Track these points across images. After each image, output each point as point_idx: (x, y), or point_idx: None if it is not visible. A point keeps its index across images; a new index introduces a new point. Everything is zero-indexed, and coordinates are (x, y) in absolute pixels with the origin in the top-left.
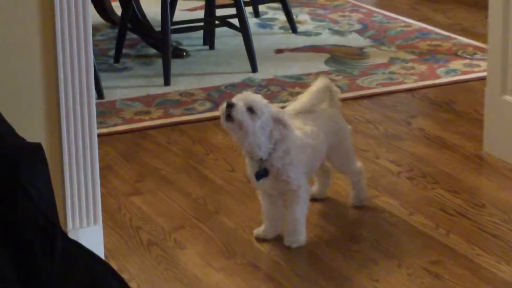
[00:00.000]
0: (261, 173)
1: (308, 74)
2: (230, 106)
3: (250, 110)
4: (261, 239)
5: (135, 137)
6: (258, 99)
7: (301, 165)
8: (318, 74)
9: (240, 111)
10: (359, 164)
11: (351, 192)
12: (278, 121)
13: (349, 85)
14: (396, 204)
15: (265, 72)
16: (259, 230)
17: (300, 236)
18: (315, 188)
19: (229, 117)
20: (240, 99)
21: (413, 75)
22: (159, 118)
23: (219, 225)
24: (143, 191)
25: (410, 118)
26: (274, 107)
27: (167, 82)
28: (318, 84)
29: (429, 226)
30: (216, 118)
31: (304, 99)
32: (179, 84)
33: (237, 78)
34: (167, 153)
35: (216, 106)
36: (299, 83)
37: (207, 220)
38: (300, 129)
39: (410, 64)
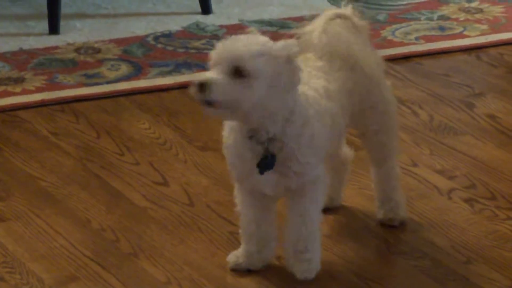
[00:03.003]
0: (268, 162)
1: (299, 19)
2: (201, 87)
3: (238, 73)
4: (240, 271)
5: None
6: (249, 48)
7: (322, 144)
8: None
9: (220, 90)
10: (396, 166)
11: (378, 204)
12: (289, 65)
13: (370, 38)
14: (444, 244)
15: (224, 14)
16: (237, 257)
17: (314, 258)
18: None
19: (207, 102)
20: (218, 61)
21: (480, 23)
22: (38, 90)
23: (139, 277)
24: (8, 216)
25: (473, 98)
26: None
27: (54, 29)
28: (328, 15)
29: (499, 283)
30: (139, 92)
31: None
32: (75, 33)
33: (175, 24)
34: (51, 151)
35: (139, 71)
36: (284, 34)
37: (118, 268)
38: (305, 84)
39: (475, 4)
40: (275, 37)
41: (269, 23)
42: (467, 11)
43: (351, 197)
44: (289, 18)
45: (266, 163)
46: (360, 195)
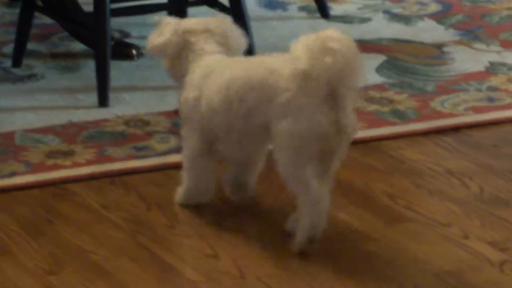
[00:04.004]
0: None
1: None
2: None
3: None
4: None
5: (47, 195)
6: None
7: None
8: (366, 90)
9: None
10: (314, 185)
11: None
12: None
13: (418, 109)
14: None
15: None
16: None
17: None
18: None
19: None
20: None
21: None
22: (88, 163)
23: None
24: None
25: None
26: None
27: (103, 102)
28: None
29: None
30: None
31: None
32: (125, 105)
33: None
34: (102, 224)
35: None
36: None
37: None
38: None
39: None
40: None
41: None
42: None
43: None
44: None
45: None
46: None
